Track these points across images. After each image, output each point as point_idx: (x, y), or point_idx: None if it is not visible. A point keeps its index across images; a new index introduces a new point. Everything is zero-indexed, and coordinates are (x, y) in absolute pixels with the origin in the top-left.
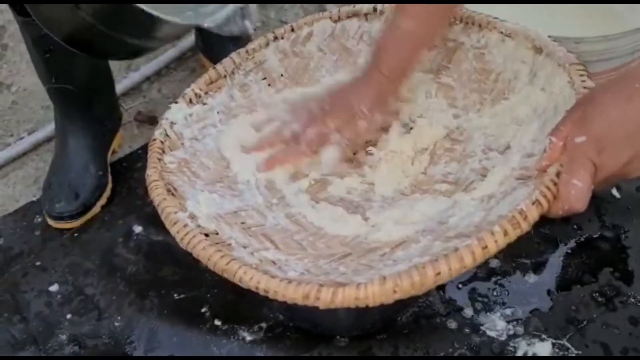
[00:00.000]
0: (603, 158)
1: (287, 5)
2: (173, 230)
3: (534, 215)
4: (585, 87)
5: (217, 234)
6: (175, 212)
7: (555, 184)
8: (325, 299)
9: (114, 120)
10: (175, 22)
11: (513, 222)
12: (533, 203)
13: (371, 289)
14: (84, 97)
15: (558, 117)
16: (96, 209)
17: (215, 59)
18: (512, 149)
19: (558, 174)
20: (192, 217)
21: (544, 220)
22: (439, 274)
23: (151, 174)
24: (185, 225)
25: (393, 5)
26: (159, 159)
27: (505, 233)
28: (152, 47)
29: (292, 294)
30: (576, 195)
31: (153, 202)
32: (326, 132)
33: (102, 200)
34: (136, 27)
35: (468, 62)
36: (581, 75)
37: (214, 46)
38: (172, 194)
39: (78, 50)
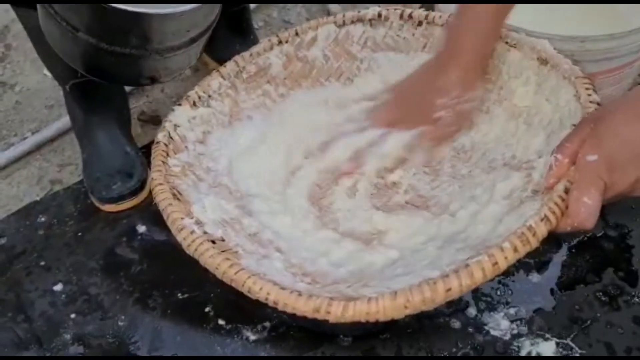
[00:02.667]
0: (614, 177)
1: (289, 5)
2: (179, 237)
3: (542, 231)
4: (591, 102)
5: (224, 240)
6: (182, 218)
7: (563, 200)
8: (336, 313)
9: (128, 110)
10: (148, 12)
11: (522, 238)
12: (542, 219)
13: (382, 304)
14: (107, 89)
15: (564, 130)
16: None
17: (219, 59)
18: (518, 160)
19: (566, 191)
20: (199, 222)
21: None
22: (449, 289)
23: (156, 177)
24: (192, 232)
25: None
26: (163, 162)
27: (515, 249)
28: (162, 66)
29: (302, 307)
30: (586, 212)
31: (158, 206)
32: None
33: None
34: (128, 33)
35: None
36: (587, 88)
37: (218, 46)
38: (177, 199)
39: (100, 79)
